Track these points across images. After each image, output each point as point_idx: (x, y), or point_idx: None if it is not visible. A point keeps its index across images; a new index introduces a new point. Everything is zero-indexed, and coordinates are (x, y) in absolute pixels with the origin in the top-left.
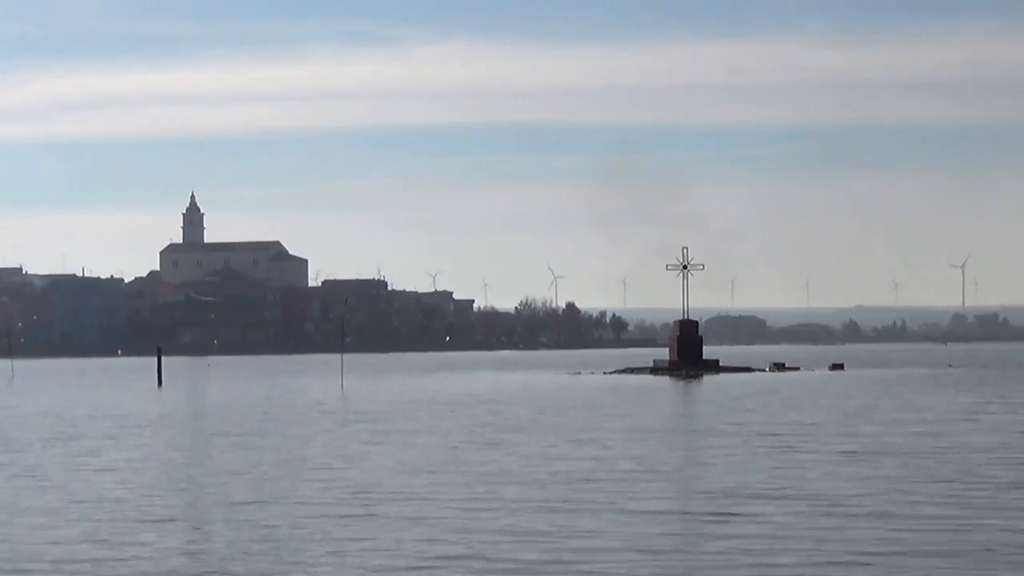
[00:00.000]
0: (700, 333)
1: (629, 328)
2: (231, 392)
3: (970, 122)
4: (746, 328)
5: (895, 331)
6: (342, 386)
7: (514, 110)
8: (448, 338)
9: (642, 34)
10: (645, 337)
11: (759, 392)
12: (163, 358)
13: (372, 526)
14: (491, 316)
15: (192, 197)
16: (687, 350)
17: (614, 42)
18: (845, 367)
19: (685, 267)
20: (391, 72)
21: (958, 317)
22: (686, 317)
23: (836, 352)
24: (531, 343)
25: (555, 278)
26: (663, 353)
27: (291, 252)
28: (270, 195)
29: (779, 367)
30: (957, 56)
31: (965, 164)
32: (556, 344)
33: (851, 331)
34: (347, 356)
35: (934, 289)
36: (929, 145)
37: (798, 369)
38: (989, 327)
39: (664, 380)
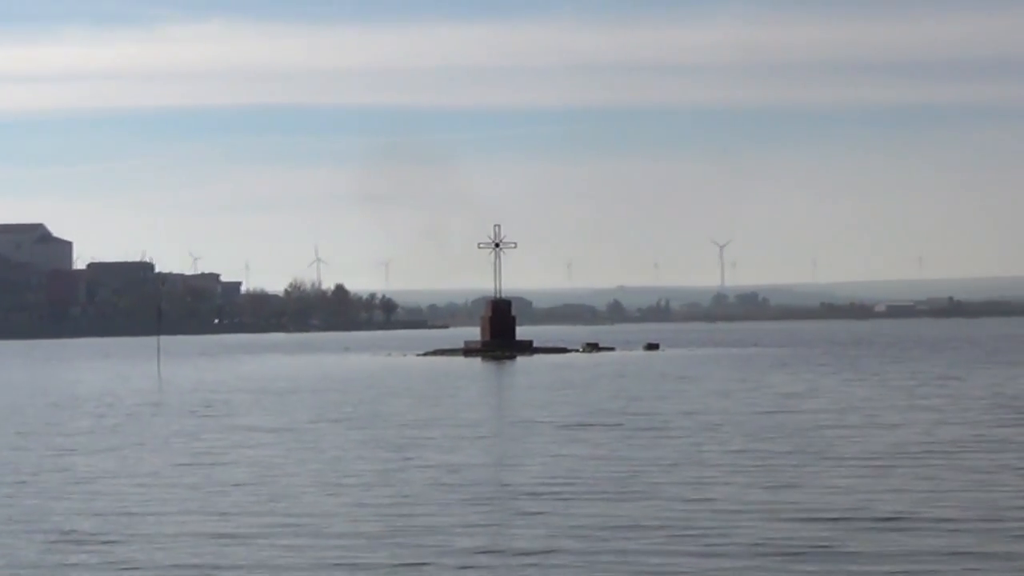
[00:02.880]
0: (509, 314)
1: (398, 310)
2: (36, 380)
3: (729, 104)
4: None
5: (659, 311)
6: (159, 373)
7: (277, 91)
8: (217, 320)
9: (406, 15)
10: (414, 319)
11: (608, 374)
12: None
13: None
14: (260, 298)
15: None
16: (500, 330)
17: (379, 23)
18: (660, 347)
19: (497, 245)
20: (148, 53)
21: (719, 297)
22: (499, 296)
23: (607, 332)
24: (301, 325)
25: (318, 260)
26: (440, 336)
27: (55, 235)
28: (32, 177)
29: (592, 347)
30: (717, 39)
31: (724, 145)
32: (327, 326)
33: (616, 311)
34: (118, 340)
35: (695, 269)
36: (689, 127)
37: (613, 349)
38: (749, 306)
39: (476, 362)
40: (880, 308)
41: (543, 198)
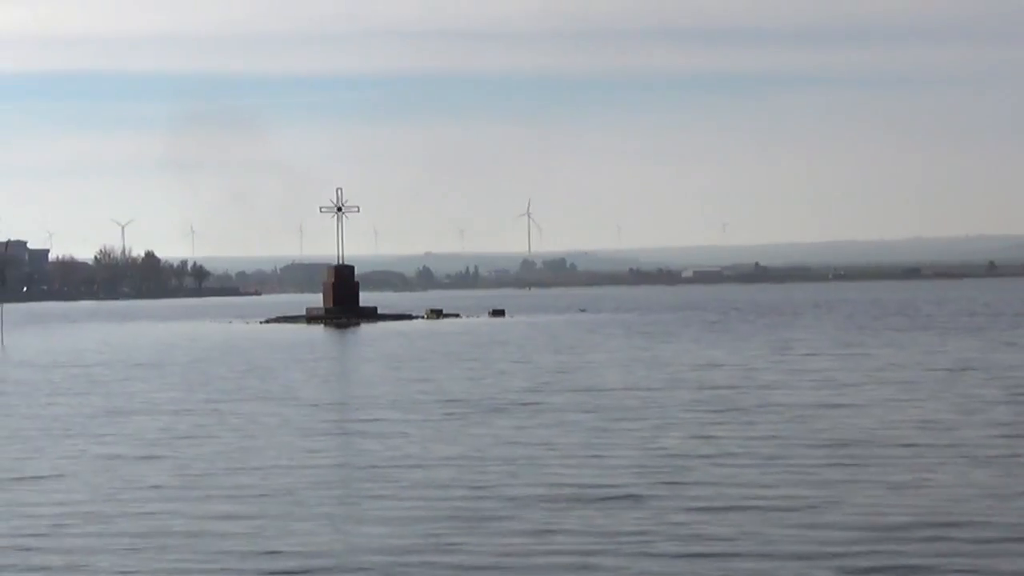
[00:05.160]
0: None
1: (210, 277)
2: None
3: (538, 71)
4: (320, 276)
5: (468, 277)
6: (2, 342)
7: (81, 56)
8: (25, 288)
9: None
10: (225, 286)
11: (485, 343)
12: None
13: None
14: (69, 266)
15: None
16: (344, 297)
17: None
18: (506, 314)
19: (339, 209)
20: None
21: (527, 263)
22: (341, 263)
23: (421, 299)
24: (112, 293)
25: (123, 226)
26: (260, 303)
27: None
28: None
29: (437, 314)
30: (529, 5)
31: (532, 112)
32: (138, 294)
33: (425, 278)
34: None
35: (502, 235)
36: (497, 94)
37: (458, 316)
38: (557, 272)
39: (322, 329)
40: (687, 274)
41: (351, 164)
